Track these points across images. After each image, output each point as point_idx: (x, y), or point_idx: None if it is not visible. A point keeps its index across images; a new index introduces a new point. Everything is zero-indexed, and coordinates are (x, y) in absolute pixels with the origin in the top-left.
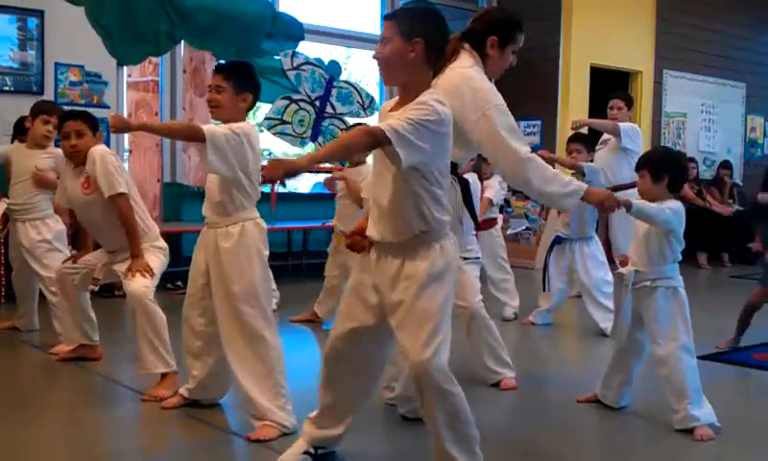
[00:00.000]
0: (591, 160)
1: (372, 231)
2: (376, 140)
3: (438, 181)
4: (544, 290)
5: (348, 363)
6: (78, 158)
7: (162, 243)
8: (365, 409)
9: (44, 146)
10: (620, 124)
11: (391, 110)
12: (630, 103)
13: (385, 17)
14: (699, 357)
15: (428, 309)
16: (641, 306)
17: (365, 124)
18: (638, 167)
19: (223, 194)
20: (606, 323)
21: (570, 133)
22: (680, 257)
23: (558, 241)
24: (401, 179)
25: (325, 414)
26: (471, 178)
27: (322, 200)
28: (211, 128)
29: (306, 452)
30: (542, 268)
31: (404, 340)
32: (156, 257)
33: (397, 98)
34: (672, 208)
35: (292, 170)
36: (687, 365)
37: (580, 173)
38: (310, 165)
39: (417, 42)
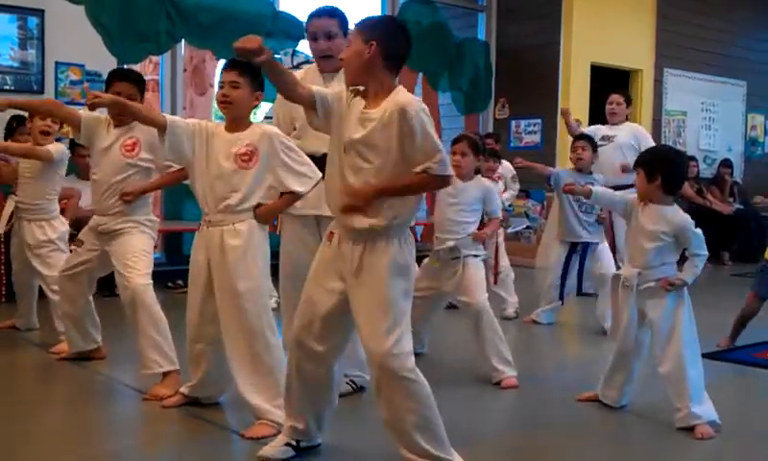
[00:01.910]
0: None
1: (351, 220)
2: (442, 181)
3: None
4: (561, 301)
5: (311, 356)
6: (123, 121)
7: (153, 217)
8: (353, 403)
9: (43, 143)
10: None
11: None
12: (629, 100)
13: (354, 25)
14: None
15: (388, 300)
16: (646, 306)
17: None
18: (634, 166)
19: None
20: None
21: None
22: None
23: (573, 248)
24: (383, 167)
25: (291, 405)
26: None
27: None
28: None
29: (288, 444)
30: (561, 279)
31: (364, 330)
32: (147, 236)
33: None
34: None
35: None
36: (690, 363)
37: (547, 181)
38: (387, 194)
39: (372, 44)
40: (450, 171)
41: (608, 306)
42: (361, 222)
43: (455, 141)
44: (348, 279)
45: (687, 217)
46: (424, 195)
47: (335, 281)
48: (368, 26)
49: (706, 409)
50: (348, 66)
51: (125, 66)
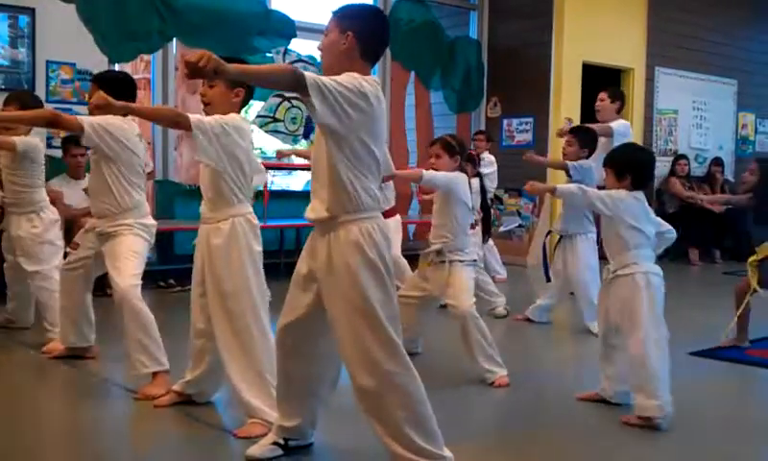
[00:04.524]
0: (585, 156)
1: (308, 212)
2: (297, 82)
3: (362, 160)
4: (548, 280)
5: (295, 355)
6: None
7: (149, 220)
8: (348, 401)
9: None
10: (612, 124)
11: None
12: (615, 96)
13: (332, 12)
14: (693, 354)
15: (365, 304)
16: (612, 297)
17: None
18: (603, 164)
19: (212, 188)
20: (591, 321)
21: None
22: (641, 245)
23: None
24: (329, 151)
25: (281, 404)
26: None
27: None
28: (198, 116)
29: (276, 443)
30: (543, 261)
31: (346, 338)
32: (139, 237)
33: None
34: (611, 194)
35: (219, 67)
36: (652, 355)
37: (567, 173)
38: (232, 73)
39: (348, 35)
40: (314, 87)
41: (586, 307)
42: (308, 213)
43: (431, 144)
44: (318, 274)
45: (620, 192)
46: (415, 193)
47: (308, 281)
48: (345, 16)
49: (662, 401)
50: (325, 55)
51: (116, 65)
